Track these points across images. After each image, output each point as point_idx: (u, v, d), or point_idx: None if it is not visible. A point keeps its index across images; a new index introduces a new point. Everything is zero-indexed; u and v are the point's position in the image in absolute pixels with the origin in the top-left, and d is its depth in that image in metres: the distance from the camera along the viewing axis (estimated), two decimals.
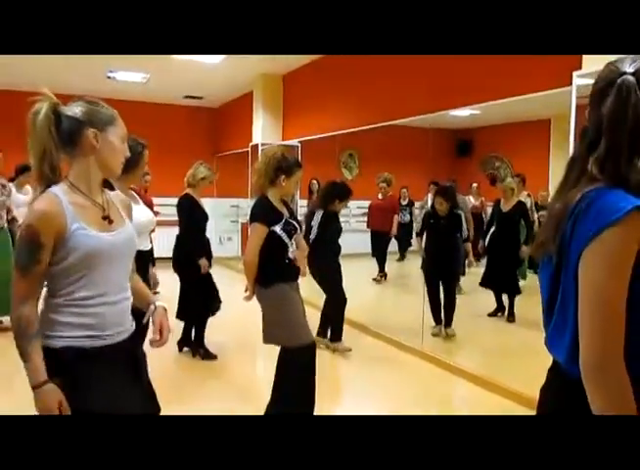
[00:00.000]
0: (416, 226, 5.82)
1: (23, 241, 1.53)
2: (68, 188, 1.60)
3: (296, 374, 3.02)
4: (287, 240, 2.99)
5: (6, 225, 5.11)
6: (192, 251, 4.35)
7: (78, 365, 1.57)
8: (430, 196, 7.39)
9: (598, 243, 1.03)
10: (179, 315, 4.54)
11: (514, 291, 5.55)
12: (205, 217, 4.46)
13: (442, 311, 5.13)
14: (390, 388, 4.04)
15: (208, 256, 4.43)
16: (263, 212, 3.00)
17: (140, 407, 1.71)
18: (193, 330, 4.58)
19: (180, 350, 4.61)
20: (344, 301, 4.76)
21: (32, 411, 1.51)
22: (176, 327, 4.40)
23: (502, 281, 5.55)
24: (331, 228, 4.71)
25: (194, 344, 4.57)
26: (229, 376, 4.23)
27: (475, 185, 7.44)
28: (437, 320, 5.15)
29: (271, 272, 2.97)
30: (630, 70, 1.09)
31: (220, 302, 4.56)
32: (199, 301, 4.46)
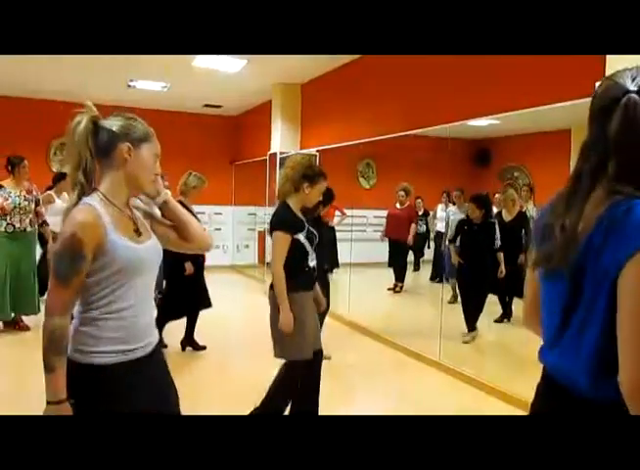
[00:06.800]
0: (450, 234, 5.87)
1: (65, 251, 1.51)
2: (101, 199, 1.61)
3: (295, 388, 3.00)
4: (309, 248, 2.98)
5: (30, 228, 5.32)
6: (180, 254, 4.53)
7: (118, 381, 1.58)
8: (441, 206, 7.38)
9: None
10: (166, 315, 4.62)
11: (518, 293, 5.59)
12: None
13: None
14: (403, 397, 4.01)
15: (194, 260, 4.57)
16: (286, 220, 2.96)
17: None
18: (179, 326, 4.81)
19: (183, 349, 4.86)
20: None
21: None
22: (177, 327, 4.73)
23: (506, 287, 5.59)
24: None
25: (185, 339, 4.88)
26: (231, 379, 4.23)
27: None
28: (470, 327, 5.20)
29: (293, 281, 2.92)
30: (634, 87, 1.06)
31: (209, 300, 4.84)
32: (186, 299, 4.74)
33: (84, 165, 1.60)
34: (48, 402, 1.51)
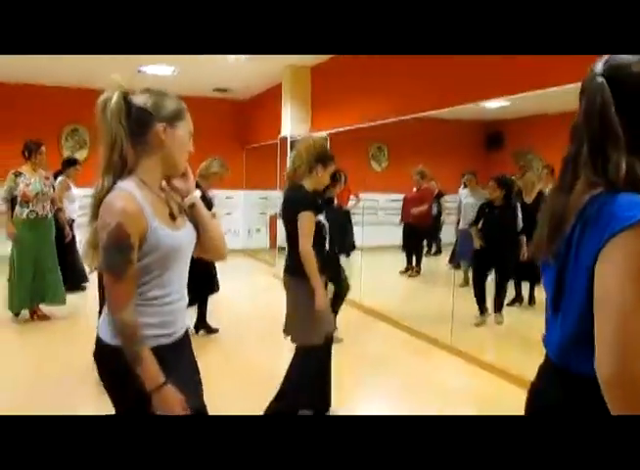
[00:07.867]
0: (469, 217, 5.92)
1: (114, 243, 1.45)
2: (137, 184, 1.53)
3: (311, 370, 2.99)
4: (327, 231, 2.96)
5: (50, 215, 5.27)
6: None
7: (161, 364, 1.54)
8: (462, 189, 7.31)
9: (612, 248, 0.98)
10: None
11: (531, 277, 5.72)
12: (208, 205, 4.55)
13: (488, 300, 5.23)
14: (415, 380, 4.04)
15: None
16: (310, 201, 2.92)
17: (198, 399, 1.71)
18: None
19: (197, 332, 4.94)
20: None
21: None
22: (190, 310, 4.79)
23: (523, 269, 5.58)
24: None
25: (200, 322, 4.97)
26: (242, 363, 4.28)
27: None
28: (482, 310, 5.24)
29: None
30: (600, 70, 1.07)
31: (216, 284, 4.95)
32: (196, 282, 4.74)
33: (120, 146, 1.50)
34: (151, 392, 1.49)
